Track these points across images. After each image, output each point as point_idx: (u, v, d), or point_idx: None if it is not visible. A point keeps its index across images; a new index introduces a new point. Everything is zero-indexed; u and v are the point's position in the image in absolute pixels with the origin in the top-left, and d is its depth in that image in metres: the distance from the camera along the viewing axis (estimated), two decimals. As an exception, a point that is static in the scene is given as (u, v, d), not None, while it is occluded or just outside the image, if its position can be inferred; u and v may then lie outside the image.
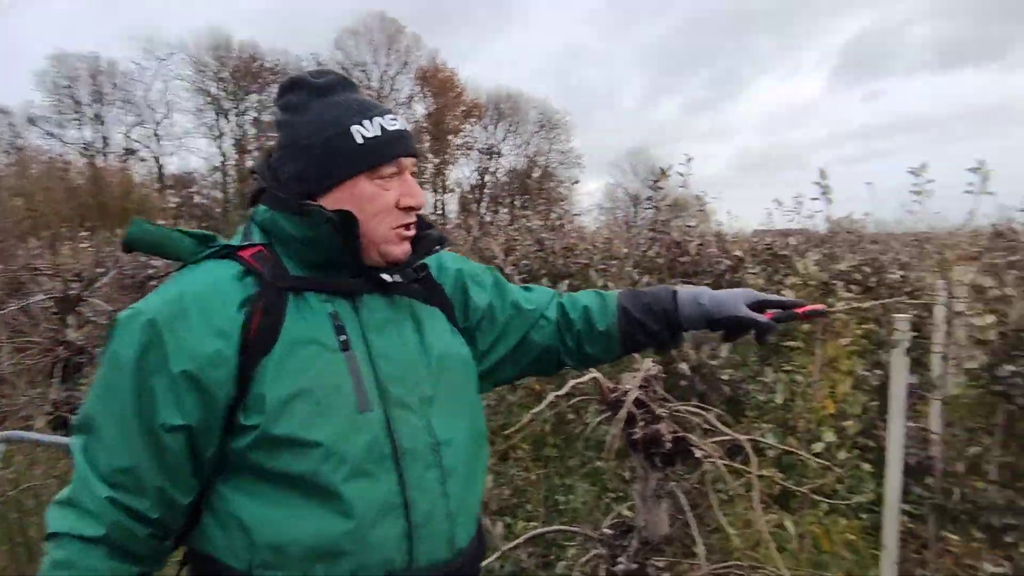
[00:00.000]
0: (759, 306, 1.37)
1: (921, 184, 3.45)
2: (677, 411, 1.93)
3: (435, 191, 40.08)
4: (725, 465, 1.85)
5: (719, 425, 1.94)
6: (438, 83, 39.97)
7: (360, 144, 1.17)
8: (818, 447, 3.87)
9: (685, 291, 1.40)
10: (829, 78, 65.51)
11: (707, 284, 4.39)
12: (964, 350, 3.58)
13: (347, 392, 1.12)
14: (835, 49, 64.16)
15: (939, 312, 4.05)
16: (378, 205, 1.18)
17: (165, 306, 1.10)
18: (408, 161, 1.23)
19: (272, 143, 1.27)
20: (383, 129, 1.19)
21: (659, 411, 1.94)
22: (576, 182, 38.90)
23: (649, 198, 5.08)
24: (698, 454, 1.90)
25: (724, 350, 4.31)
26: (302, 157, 1.18)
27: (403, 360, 1.19)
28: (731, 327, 1.37)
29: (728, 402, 6.64)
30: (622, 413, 1.82)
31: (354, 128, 1.17)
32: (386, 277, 1.22)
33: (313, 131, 1.17)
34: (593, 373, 1.97)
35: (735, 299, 1.36)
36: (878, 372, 3.96)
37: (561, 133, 41.50)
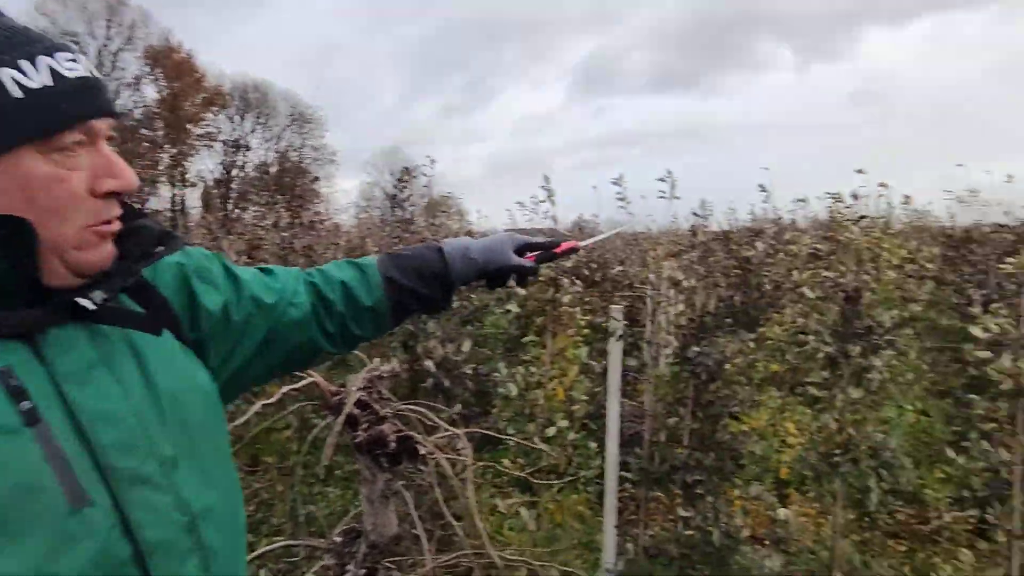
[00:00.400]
0: (521, 249, 1.29)
1: (623, 191, 3.91)
2: (400, 411, 1.94)
3: (173, 184, 36.21)
4: (448, 458, 1.91)
5: (439, 421, 2.00)
6: (172, 65, 36.09)
7: (19, 99, 0.76)
8: (551, 431, 4.20)
9: (451, 246, 1.26)
10: (567, 91, 72.16)
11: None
12: (665, 335, 4.14)
13: (48, 487, 0.74)
14: (571, 66, 70.93)
15: (648, 303, 4.64)
16: (59, 194, 0.79)
17: None
18: (103, 124, 0.83)
19: None
20: (56, 75, 0.79)
21: (383, 412, 1.93)
22: (317, 179, 37.62)
23: (395, 196, 5.09)
24: (423, 451, 1.92)
25: (467, 345, 4.47)
26: None
27: (128, 416, 0.82)
28: (499, 275, 1.27)
29: (478, 395, 6.92)
30: (341, 417, 1.78)
31: (5, 72, 0.76)
32: (85, 303, 0.82)
33: None
34: (313, 376, 1.90)
35: (503, 247, 1.27)
36: (602, 361, 4.42)
37: (315, 128, 40.07)
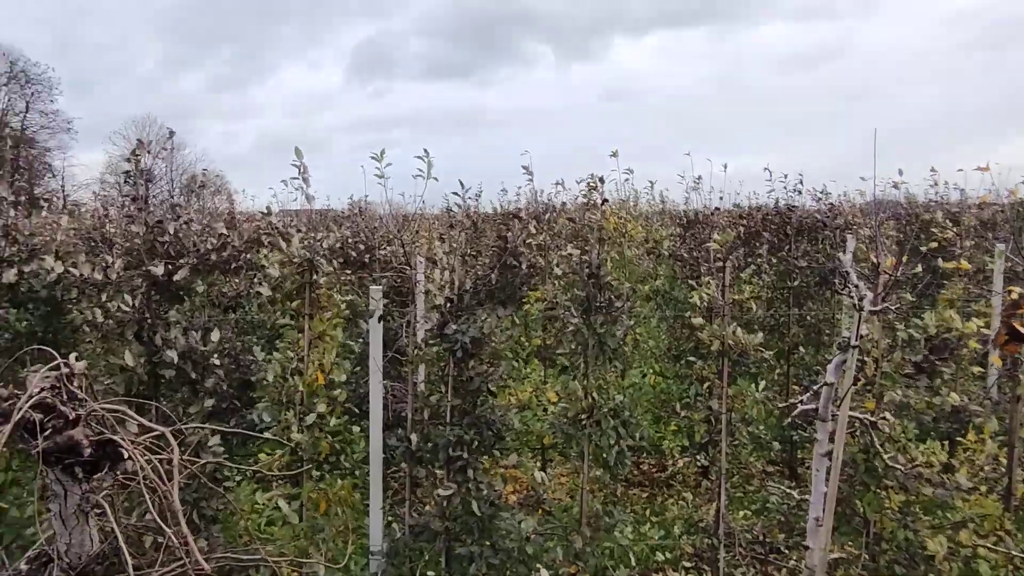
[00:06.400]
0: None
1: (383, 169, 3.82)
2: (94, 412, 1.69)
3: None
4: (151, 459, 1.70)
5: (139, 419, 1.78)
6: None
7: None
8: (311, 419, 4.02)
9: None
10: (346, 73, 71.00)
11: (192, 265, 4.11)
12: (427, 314, 4.15)
13: None
14: (349, 48, 70.31)
15: (418, 282, 4.62)
16: None
17: None
18: None
19: None
20: None
21: (75, 414, 1.67)
22: (16, 146, 31.83)
23: (128, 172, 4.48)
24: (127, 455, 1.70)
25: (215, 334, 4.10)
26: None
27: None
28: None
29: (240, 387, 6.43)
30: (10, 425, 1.50)
31: None
32: None
33: None
34: (-29, 381, 1.58)
35: None
36: (361, 340, 4.33)
37: (42, 91, 34.27)
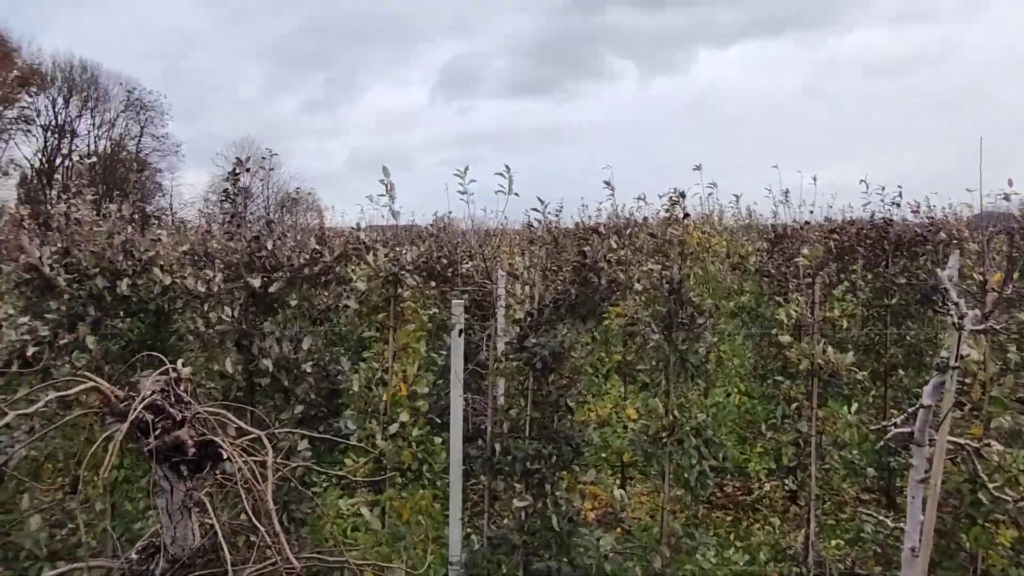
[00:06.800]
0: None
1: (466, 185, 3.91)
2: (198, 414, 1.81)
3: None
4: (247, 460, 1.81)
5: (237, 422, 1.89)
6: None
7: None
8: (394, 428, 4.14)
9: None
10: (431, 92, 73.46)
11: (286, 279, 4.32)
12: (506, 328, 4.20)
13: None
14: (435, 68, 72.88)
15: (499, 296, 4.69)
16: None
17: None
18: None
19: None
20: None
21: (181, 416, 1.79)
22: (142, 169, 34.72)
23: (226, 191, 4.78)
24: (226, 455, 1.81)
25: (307, 342, 4.30)
26: None
27: None
28: None
29: (328, 395, 6.68)
30: (126, 424, 1.64)
31: None
32: None
33: None
34: (93, 380, 1.73)
35: None
36: (443, 353, 4.42)
37: (155, 116, 37.02)
